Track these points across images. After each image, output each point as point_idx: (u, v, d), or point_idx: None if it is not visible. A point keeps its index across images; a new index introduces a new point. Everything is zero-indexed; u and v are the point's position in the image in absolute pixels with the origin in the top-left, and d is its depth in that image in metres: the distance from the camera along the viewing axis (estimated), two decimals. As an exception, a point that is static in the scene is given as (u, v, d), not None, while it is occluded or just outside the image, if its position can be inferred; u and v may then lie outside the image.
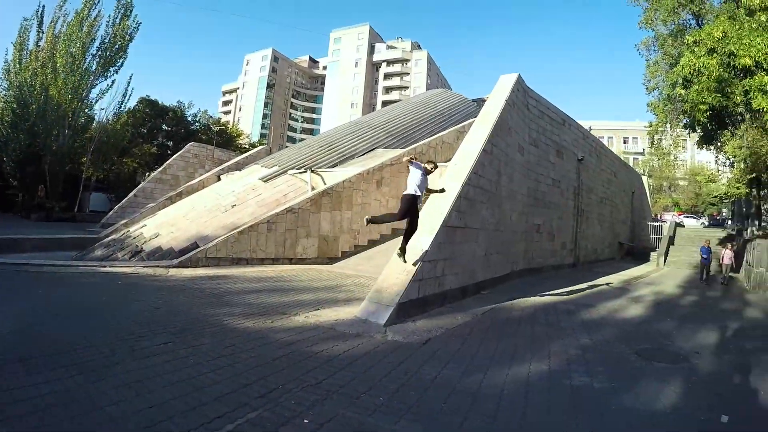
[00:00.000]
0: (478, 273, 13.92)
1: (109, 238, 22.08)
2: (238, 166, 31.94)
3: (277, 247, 18.10)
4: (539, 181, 19.98)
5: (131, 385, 5.16)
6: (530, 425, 5.05)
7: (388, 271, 10.42)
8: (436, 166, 10.88)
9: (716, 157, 38.21)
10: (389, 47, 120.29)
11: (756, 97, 15.20)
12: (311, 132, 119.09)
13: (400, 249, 10.31)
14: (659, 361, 8.09)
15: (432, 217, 11.56)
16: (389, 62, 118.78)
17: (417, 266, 10.30)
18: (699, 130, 20.16)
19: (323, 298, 11.51)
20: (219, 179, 30.08)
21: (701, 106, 16.84)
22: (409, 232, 10.38)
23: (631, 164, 64.16)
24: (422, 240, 10.87)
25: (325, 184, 21.80)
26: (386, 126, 32.25)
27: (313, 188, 21.71)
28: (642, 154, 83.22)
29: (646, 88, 27.36)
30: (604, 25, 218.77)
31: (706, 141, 21.03)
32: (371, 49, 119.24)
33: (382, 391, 5.61)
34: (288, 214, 18.44)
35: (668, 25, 25.27)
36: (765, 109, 15.00)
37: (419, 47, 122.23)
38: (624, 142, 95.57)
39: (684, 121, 20.15)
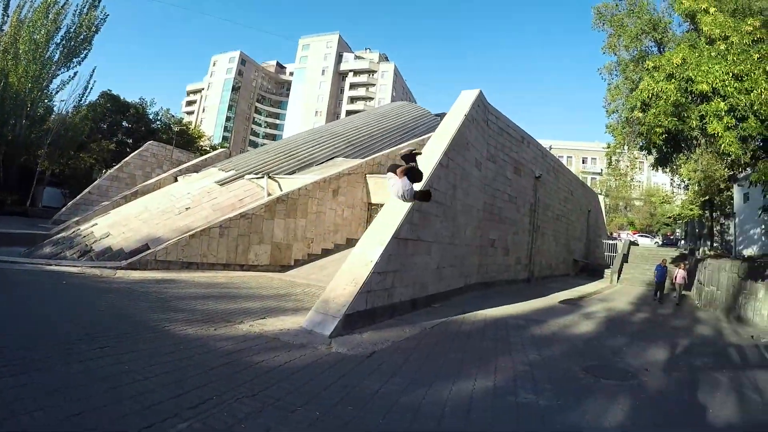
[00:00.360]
0: (429, 286, 13.87)
1: (60, 235, 21.42)
2: (196, 168, 31.37)
3: (228, 252, 17.77)
4: (496, 196, 20.06)
5: (59, 391, 4.95)
6: None
7: (336, 281, 10.29)
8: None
9: (671, 179, 39.05)
10: (357, 57, 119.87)
11: (711, 121, 15.42)
12: (274, 137, 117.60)
13: None
14: (608, 378, 8.11)
15: (383, 228, 11.48)
16: (356, 72, 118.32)
17: (366, 277, 10.17)
18: (654, 153, 20.43)
19: (271, 307, 11.32)
20: (176, 180, 29.47)
21: (657, 129, 17.04)
22: None
23: (589, 183, 65.41)
24: (372, 251, 10.77)
25: (281, 190, 21.55)
26: (347, 135, 32.06)
27: (269, 194, 21.41)
28: (600, 174, 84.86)
29: (606, 111, 27.76)
30: (568, 49, 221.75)
31: (661, 163, 21.32)
32: (339, 58, 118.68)
33: (319, 405, 5.47)
34: (241, 220, 18.11)
35: (631, 51, 25.73)
36: (719, 134, 15.22)
37: (387, 59, 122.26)
38: (583, 162, 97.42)
39: (640, 144, 20.43)
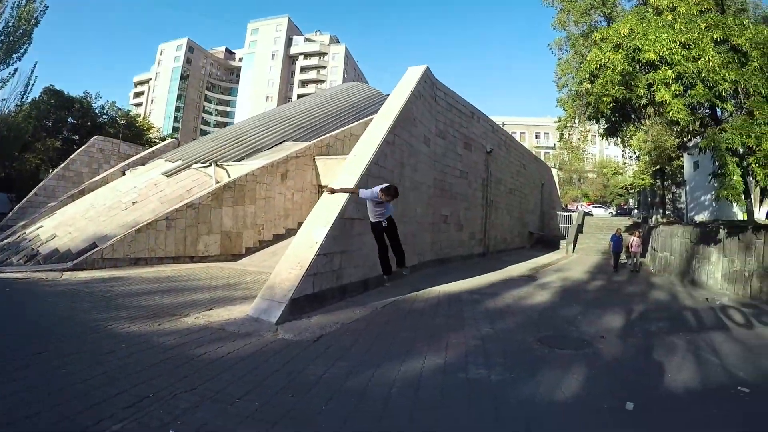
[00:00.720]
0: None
1: (5, 241, 20.80)
2: (144, 161, 30.76)
3: (177, 245, 17.37)
4: (446, 172, 20.07)
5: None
6: (418, 425, 4.84)
7: (282, 266, 10.06)
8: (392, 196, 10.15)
9: (623, 151, 39.83)
10: (307, 40, 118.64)
11: (659, 89, 15.64)
12: (225, 126, 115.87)
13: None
14: (562, 348, 8.12)
15: (327, 208, 11.29)
16: (306, 55, 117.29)
17: (311, 260, 9.99)
18: (603, 122, 20.70)
19: (219, 297, 11.09)
20: (124, 175, 28.80)
21: (605, 99, 17.23)
22: (396, 251, 10.35)
23: (543, 158, 66.41)
24: (317, 233, 10.59)
25: (230, 178, 21.19)
26: (296, 118, 31.71)
27: (217, 182, 21.04)
28: (553, 148, 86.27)
29: (557, 86, 28.15)
30: (519, 25, 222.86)
31: (610, 133, 21.60)
32: (289, 42, 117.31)
33: (260, 394, 5.32)
34: (188, 210, 17.68)
35: (580, 26, 26.06)
36: (667, 101, 15.46)
37: (338, 41, 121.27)
38: (536, 137, 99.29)
39: (588, 114, 20.67)
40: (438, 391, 5.81)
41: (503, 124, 39.92)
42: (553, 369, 6.89)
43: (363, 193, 9.83)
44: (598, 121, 21.01)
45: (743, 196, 16.67)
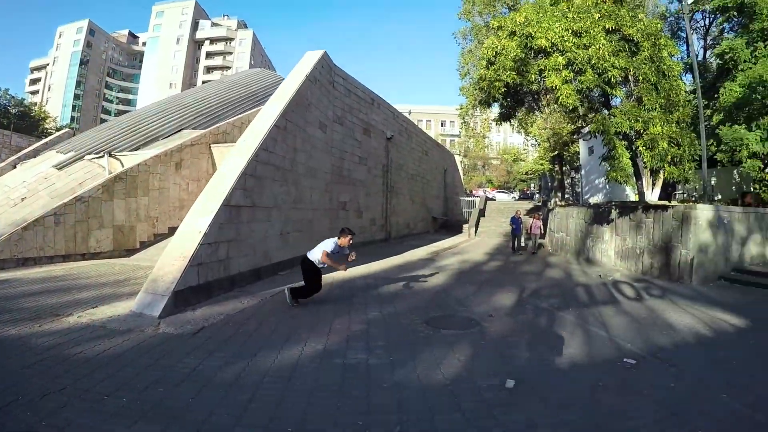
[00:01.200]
0: (274, 253, 13.77)
1: None
2: (36, 153, 29.10)
3: (67, 242, 16.54)
4: (344, 158, 20.15)
5: None
6: (283, 415, 4.87)
7: (165, 257, 9.86)
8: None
9: (525, 138, 41.24)
10: (214, 24, 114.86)
11: (550, 75, 16.29)
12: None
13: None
14: (449, 329, 8.31)
15: (212, 196, 11.16)
16: (213, 40, 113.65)
17: (194, 250, 9.85)
18: (497, 107, 21.41)
19: (106, 295, 10.73)
20: (15, 168, 27.43)
21: (497, 84, 17.80)
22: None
23: (448, 145, 67.75)
24: (201, 221, 10.45)
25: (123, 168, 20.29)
26: (196, 105, 30.64)
27: (111, 173, 20.12)
28: (458, 136, 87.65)
29: (460, 74, 28.75)
30: (434, 14, 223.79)
31: (504, 118, 22.34)
32: (195, 26, 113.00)
33: (129, 390, 5.29)
34: (77, 204, 16.81)
35: (484, 17, 26.69)
36: (557, 87, 16.11)
37: (245, 26, 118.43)
38: (442, 125, 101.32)
39: (480, 98, 21.28)
40: (312, 378, 5.86)
41: (410, 113, 40.43)
42: (435, 350, 7.03)
43: (332, 250, 9.87)
44: (490, 106, 21.66)
45: (634, 178, 17.61)
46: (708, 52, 28.26)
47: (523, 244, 23.80)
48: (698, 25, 29.00)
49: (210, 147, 22.34)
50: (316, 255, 9.81)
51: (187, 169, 21.02)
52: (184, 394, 5.28)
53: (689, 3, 18.36)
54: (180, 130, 25.98)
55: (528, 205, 40.11)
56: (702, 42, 28.88)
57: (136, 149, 23.09)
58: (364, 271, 14.93)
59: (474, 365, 6.45)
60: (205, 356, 6.56)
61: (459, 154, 59.72)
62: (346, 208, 20.48)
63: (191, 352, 6.76)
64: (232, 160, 12.30)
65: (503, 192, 67.27)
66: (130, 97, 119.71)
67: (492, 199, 48.13)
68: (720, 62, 23.74)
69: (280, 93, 15.19)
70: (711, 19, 26.52)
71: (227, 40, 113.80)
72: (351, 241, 10.10)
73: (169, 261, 9.71)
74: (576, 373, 6.29)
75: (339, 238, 9.97)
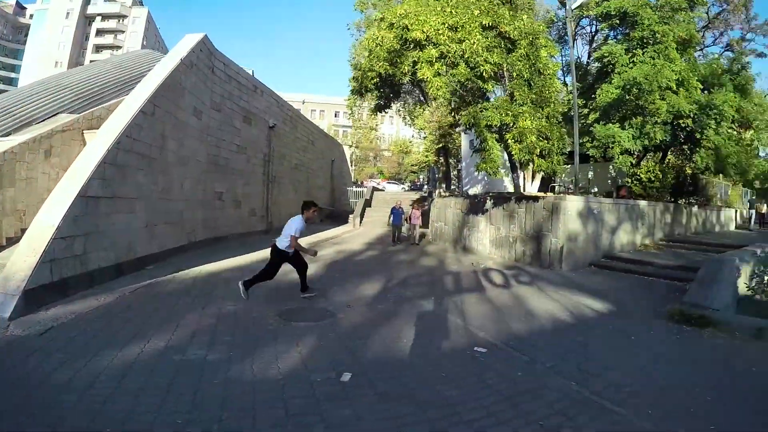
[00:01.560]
0: (139, 247, 13.37)
1: None
2: None
3: None
4: (221, 147, 19.87)
5: None
6: (106, 416, 4.78)
7: (17, 254, 9.40)
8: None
9: (416, 131, 42.18)
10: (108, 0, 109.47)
11: (422, 67, 16.68)
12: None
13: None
14: (301, 321, 8.42)
15: (65, 187, 10.72)
16: (105, 17, 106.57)
17: (46, 245, 9.40)
18: (374, 97, 21.75)
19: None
20: None
21: (370, 74, 18.20)
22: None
23: (341, 136, 68.04)
24: (54, 214, 9.99)
25: (-9, 156, 18.82)
26: (78, 87, 28.83)
27: (-23, 162, 18.68)
28: (351, 126, 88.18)
29: (351, 65, 28.93)
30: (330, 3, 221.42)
31: (379, 108, 22.75)
32: (87, 0, 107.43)
33: (-44, 397, 5.11)
34: (-77, 200, 15.41)
35: (379, 8, 26.90)
36: (428, 78, 16.52)
37: (141, 3, 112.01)
38: (335, 116, 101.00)
39: (352, 88, 21.58)
40: (144, 376, 5.80)
41: (303, 102, 40.18)
42: (279, 344, 7.10)
43: (298, 229, 9.82)
44: (362, 95, 22.00)
45: (504, 170, 18.29)
46: (591, 57, 29.63)
47: (405, 234, 24.19)
48: (584, 32, 30.41)
49: (83, 133, 20.98)
50: (284, 243, 9.82)
51: (58, 158, 19.51)
52: (12, 399, 5.10)
53: (573, 8, 19.17)
54: (58, 113, 24.39)
55: (415, 195, 40.82)
56: (587, 47, 30.34)
57: (8, 135, 21.43)
58: (236, 264, 14.74)
59: (315, 358, 6.53)
60: (43, 358, 6.35)
61: (351, 146, 60.15)
62: (223, 199, 20.20)
63: (32, 354, 6.52)
64: (91, 148, 11.88)
65: (394, 183, 68.99)
66: (13, 75, 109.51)
67: (381, 190, 48.83)
68: (599, 65, 25.03)
69: (151, 77, 14.87)
70: (596, 26, 27.79)
71: (120, 17, 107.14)
72: (316, 212, 10.32)
73: (21, 258, 9.24)
74: (422, 364, 6.47)
75: (303, 213, 9.95)
